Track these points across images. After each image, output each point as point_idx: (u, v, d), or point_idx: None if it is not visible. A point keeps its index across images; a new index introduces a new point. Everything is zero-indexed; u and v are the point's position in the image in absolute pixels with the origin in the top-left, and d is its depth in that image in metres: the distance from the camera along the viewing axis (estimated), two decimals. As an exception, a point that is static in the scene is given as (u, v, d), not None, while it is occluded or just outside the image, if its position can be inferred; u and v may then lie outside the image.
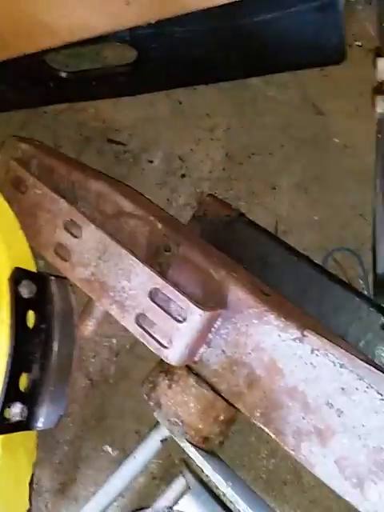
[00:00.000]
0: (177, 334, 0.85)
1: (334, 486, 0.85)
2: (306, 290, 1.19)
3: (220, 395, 0.99)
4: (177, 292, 0.84)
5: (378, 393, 0.81)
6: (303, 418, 0.87)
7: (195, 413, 0.98)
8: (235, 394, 0.95)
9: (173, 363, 0.87)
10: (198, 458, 0.99)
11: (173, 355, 0.87)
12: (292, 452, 0.90)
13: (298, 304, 1.04)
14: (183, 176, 1.73)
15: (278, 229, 1.60)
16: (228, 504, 0.98)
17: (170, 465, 1.28)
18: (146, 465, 1.15)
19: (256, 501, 1.01)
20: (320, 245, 1.57)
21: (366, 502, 0.81)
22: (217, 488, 0.97)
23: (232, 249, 1.16)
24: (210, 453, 1.09)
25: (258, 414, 0.92)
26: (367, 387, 0.82)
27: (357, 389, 0.82)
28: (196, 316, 0.83)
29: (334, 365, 0.83)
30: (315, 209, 1.65)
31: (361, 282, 1.49)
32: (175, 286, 0.86)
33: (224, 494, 0.96)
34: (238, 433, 1.18)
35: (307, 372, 0.86)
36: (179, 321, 0.84)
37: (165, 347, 0.86)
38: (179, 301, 0.84)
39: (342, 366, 0.82)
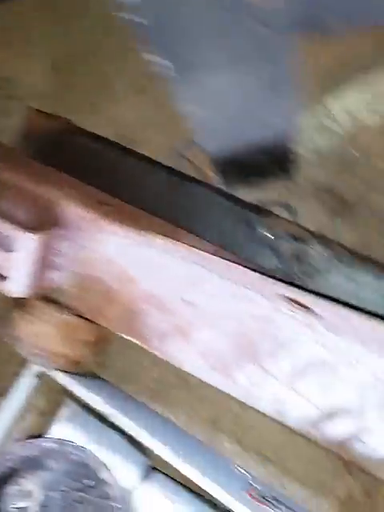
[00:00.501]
0: (12, 264, 0.78)
1: (205, 379, 0.87)
2: (165, 196, 1.15)
3: (83, 317, 0.95)
4: (1, 222, 0.76)
5: (229, 280, 0.82)
6: (163, 320, 0.88)
7: (58, 340, 0.95)
8: (96, 311, 0.92)
9: (16, 295, 0.81)
10: (70, 384, 0.97)
11: (14, 287, 0.80)
12: (161, 354, 0.91)
13: (160, 212, 1.01)
14: (10, 97, 1.55)
15: (122, 137, 1.51)
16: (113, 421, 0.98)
17: (55, 397, 1.25)
18: (27, 401, 1.11)
19: (141, 412, 1.02)
20: (170, 146, 1.51)
21: (236, 387, 0.84)
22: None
23: (70, 164, 1.07)
24: (89, 375, 1.07)
25: (121, 326, 0.91)
26: (219, 277, 0.82)
27: (208, 280, 0.82)
28: (27, 242, 0.76)
29: (183, 261, 0.82)
30: (158, 110, 1.57)
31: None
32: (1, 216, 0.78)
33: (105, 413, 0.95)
34: (119, 349, 1.16)
35: (158, 274, 0.84)
36: (12, 251, 0.77)
37: (4, 280, 0.80)
38: (6, 230, 0.76)
39: (189, 261, 0.82)
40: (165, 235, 0.83)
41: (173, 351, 0.90)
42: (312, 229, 1.13)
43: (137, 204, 1.05)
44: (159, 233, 0.85)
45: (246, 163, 0.98)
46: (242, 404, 0.87)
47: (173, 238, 0.83)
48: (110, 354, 1.16)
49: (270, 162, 0.99)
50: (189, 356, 0.87)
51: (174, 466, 0.85)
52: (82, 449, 0.90)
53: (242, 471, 0.96)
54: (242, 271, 0.81)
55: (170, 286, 0.83)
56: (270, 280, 0.84)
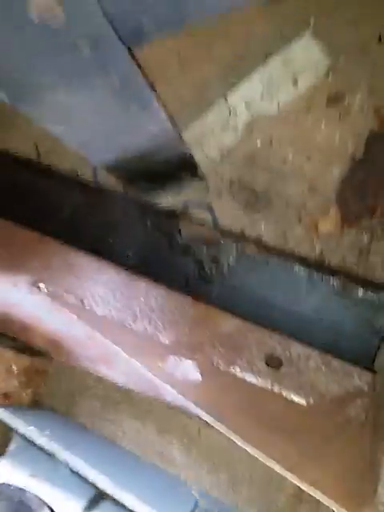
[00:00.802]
0: None
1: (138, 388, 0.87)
2: (84, 208, 1.12)
3: (11, 348, 0.94)
4: None
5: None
6: (85, 350, 0.88)
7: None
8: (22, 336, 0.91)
9: None
10: (10, 418, 0.95)
11: None
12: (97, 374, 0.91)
13: (78, 225, 1.00)
14: None
15: (39, 151, 1.47)
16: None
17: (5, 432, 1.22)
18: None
19: (85, 442, 1.00)
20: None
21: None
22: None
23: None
24: (36, 407, 1.05)
25: (50, 351, 0.91)
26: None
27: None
28: None
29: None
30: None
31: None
32: None
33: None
34: (62, 375, 1.14)
35: (59, 317, 0.84)
36: None
37: None
38: None
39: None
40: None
41: (104, 372, 0.90)
42: (231, 228, 1.13)
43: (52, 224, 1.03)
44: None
45: (143, 172, 0.97)
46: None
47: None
48: (53, 381, 1.14)
49: (169, 167, 0.98)
50: (117, 374, 0.87)
51: (117, 497, 0.84)
52: (22, 490, 0.88)
53: (191, 490, 0.96)
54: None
55: (73, 330, 0.82)
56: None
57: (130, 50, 0.64)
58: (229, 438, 0.74)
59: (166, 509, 0.83)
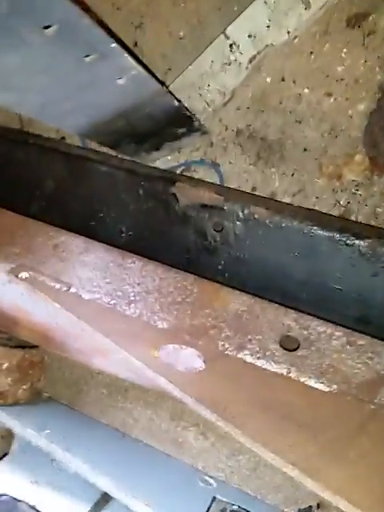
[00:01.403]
0: None
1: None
2: (70, 180, 1.00)
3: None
4: None
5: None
6: (75, 341, 0.79)
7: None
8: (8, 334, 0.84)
9: None
10: (8, 420, 0.88)
11: None
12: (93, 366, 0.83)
13: (64, 200, 0.90)
14: None
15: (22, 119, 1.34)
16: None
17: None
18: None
19: (88, 439, 0.93)
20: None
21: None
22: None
23: None
24: (30, 401, 0.98)
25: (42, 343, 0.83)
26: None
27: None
28: None
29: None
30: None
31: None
32: None
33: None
34: (64, 366, 1.06)
35: (42, 306, 0.73)
36: None
37: None
38: None
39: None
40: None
41: (100, 365, 0.81)
42: (241, 187, 0.98)
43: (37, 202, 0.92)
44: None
45: (128, 133, 0.83)
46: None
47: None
48: (55, 370, 1.07)
49: (157, 124, 0.83)
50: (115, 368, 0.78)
51: (124, 502, 0.76)
52: (15, 501, 0.82)
53: (207, 481, 0.87)
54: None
55: (59, 320, 0.72)
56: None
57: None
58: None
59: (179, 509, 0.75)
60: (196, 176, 1.02)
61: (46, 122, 0.72)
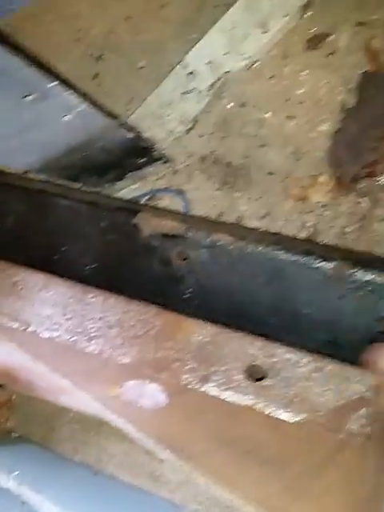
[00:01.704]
0: None
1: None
2: (31, 214, 0.97)
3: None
4: None
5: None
6: (40, 380, 0.75)
7: None
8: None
9: None
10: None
11: None
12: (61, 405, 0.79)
13: (25, 235, 0.87)
14: None
15: None
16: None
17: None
18: None
19: (60, 473, 0.89)
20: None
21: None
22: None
23: None
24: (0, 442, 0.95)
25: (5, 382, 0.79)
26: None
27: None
28: None
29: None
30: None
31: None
32: None
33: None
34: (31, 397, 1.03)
35: (2, 347, 0.71)
36: None
37: None
38: None
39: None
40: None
41: (67, 403, 0.78)
42: (208, 213, 0.97)
43: None
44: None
45: (86, 167, 0.82)
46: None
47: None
48: (25, 407, 1.04)
49: (115, 156, 0.82)
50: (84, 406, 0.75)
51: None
52: None
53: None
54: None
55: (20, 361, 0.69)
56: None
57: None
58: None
59: None
60: (162, 204, 1.00)
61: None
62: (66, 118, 0.61)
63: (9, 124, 0.61)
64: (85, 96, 0.64)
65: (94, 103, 0.68)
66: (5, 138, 0.64)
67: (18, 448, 0.92)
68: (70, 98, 0.58)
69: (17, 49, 0.53)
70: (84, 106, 0.61)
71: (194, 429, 0.65)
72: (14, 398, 0.95)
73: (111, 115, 0.75)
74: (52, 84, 0.54)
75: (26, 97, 0.56)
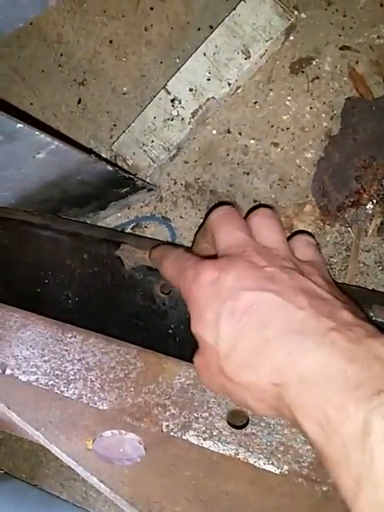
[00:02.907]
0: None
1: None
2: (11, 247, 0.96)
3: None
4: None
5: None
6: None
7: None
8: None
9: None
10: None
11: None
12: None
13: (6, 268, 0.86)
14: None
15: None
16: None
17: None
18: None
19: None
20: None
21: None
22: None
23: None
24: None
25: None
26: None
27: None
28: None
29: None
30: None
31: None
32: None
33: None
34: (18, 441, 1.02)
35: None
36: None
37: None
38: None
39: None
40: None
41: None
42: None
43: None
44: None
45: (65, 200, 0.80)
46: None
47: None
48: (12, 441, 1.02)
49: (95, 188, 0.81)
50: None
51: None
52: None
53: None
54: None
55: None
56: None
57: None
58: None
59: None
60: (147, 231, 0.99)
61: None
62: (39, 156, 0.60)
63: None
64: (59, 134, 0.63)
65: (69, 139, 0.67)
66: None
67: (3, 487, 0.91)
68: (41, 137, 0.57)
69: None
70: (57, 143, 0.59)
71: (173, 486, 0.64)
72: (-2, 434, 0.94)
73: (87, 150, 0.74)
74: (19, 125, 0.53)
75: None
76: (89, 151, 0.74)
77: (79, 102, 1.05)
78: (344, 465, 0.35)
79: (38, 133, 0.56)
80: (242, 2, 0.92)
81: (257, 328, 0.43)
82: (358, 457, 0.33)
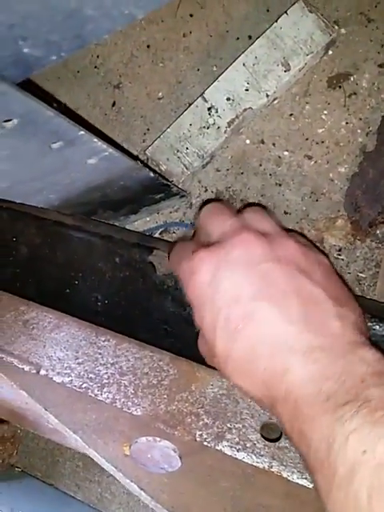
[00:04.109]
0: None
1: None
2: (44, 247, 0.97)
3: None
4: None
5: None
6: (47, 422, 0.74)
7: None
8: None
9: None
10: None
11: None
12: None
13: (38, 268, 0.86)
14: None
15: None
16: None
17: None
18: None
19: None
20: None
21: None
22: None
23: None
24: (3, 478, 0.93)
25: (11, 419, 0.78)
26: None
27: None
28: None
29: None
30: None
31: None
32: None
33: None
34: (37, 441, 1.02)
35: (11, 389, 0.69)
36: None
37: None
38: None
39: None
40: None
41: (75, 446, 0.77)
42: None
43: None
44: None
45: (103, 203, 0.81)
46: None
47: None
48: (29, 440, 1.02)
49: (133, 193, 0.81)
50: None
51: None
52: None
53: None
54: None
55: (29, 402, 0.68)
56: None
57: (22, 84, 0.48)
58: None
59: None
60: (175, 237, 0.99)
61: (12, 200, 0.70)
62: (90, 161, 0.61)
63: (31, 169, 0.60)
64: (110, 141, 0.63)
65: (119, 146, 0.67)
66: (26, 182, 0.64)
67: (19, 485, 0.91)
68: (97, 144, 0.57)
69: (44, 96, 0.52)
70: (110, 151, 0.60)
71: (211, 497, 0.64)
72: (18, 432, 0.94)
73: (134, 157, 0.74)
74: (81, 132, 0.54)
75: (53, 144, 0.55)
76: (135, 158, 0.75)
77: (113, 104, 1.05)
78: (318, 471, 0.39)
79: (95, 140, 0.57)
80: (285, 15, 0.93)
81: (250, 340, 0.46)
82: (326, 463, 0.37)
